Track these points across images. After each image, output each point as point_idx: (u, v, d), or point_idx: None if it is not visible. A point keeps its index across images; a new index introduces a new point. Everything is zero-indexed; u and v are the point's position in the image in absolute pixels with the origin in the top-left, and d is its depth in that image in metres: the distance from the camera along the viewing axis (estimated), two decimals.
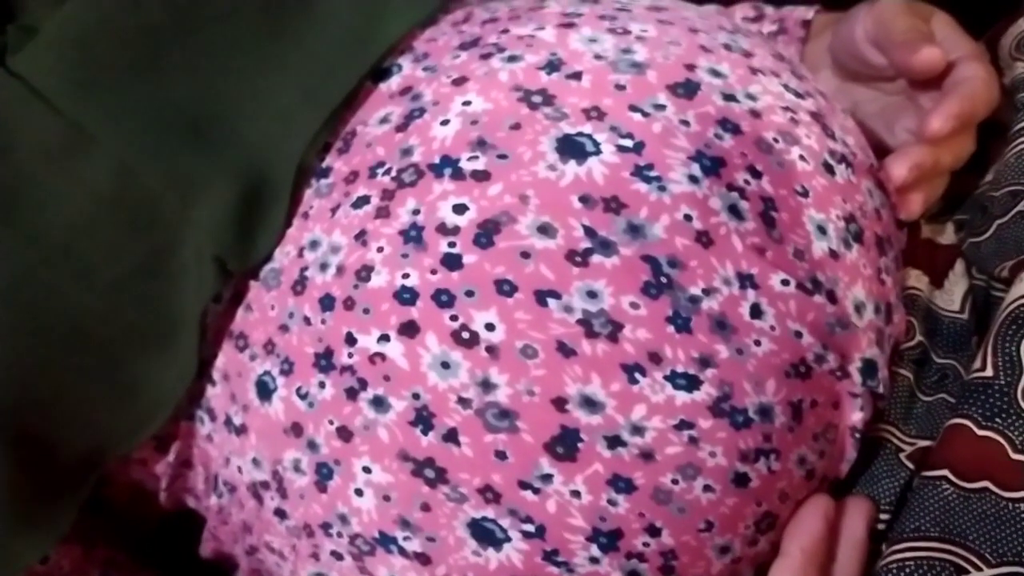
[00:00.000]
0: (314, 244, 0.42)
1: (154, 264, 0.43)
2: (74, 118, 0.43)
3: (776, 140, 0.42)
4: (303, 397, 0.41)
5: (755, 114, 0.42)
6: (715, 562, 0.41)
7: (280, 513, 0.44)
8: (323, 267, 0.41)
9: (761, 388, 0.39)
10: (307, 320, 0.41)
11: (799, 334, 0.40)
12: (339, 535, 0.42)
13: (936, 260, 0.51)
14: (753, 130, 0.41)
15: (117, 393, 0.44)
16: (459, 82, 0.43)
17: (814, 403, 0.41)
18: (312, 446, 0.41)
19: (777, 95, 0.43)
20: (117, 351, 0.44)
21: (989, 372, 0.43)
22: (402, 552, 0.41)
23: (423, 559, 0.41)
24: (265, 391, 0.43)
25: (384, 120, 0.43)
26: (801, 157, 0.42)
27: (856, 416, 0.43)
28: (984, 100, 0.49)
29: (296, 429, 0.42)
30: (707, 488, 0.39)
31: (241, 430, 0.44)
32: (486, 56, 0.44)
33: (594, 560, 0.40)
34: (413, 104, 0.43)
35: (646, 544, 0.40)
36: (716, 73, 0.43)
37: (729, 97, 0.42)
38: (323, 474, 0.41)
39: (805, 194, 0.41)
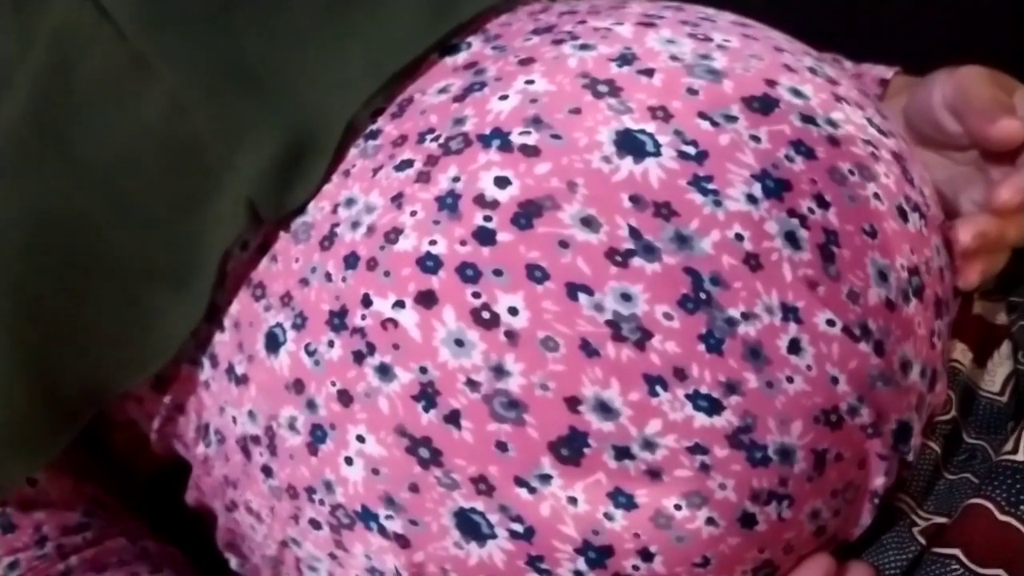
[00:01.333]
0: (350, 202, 0.40)
1: (189, 207, 0.42)
2: (139, 48, 0.42)
3: (852, 172, 0.39)
4: (311, 354, 0.39)
5: (833, 141, 0.40)
6: None
7: (267, 471, 0.42)
8: (354, 225, 0.40)
9: (786, 428, 0.37)
10: (328, 276, 0.40)
11: (836, 380, 0.38)
12: (321, 503, 0.40)
13: (983, 337, 0.48)
14: (829, 157, 0.39)
15: (128, 328, 0.43)
16: (526, 62, 0.41)
17: (839, 456, 0.38)
18: (311, 406, 0.39)
19: (860, 127, 0.41)
20: (136, 286, 0.43)
21: (1020, 457, 0.40)
22: (382, 531, 0.38)
23: (402, 541, 0.38)
24: (274, 343, 0.41)
25: (443, 91, 0.42)
26: (876, 195, 0.40)
27: (879, 480, 0.40)
28: None
29: (298, 386, 0.40)
30: (711, 521, 0.37)
31: (242, 380, 0.42)
32: (558, 42, 0.42)
33: (578, 574, 0.37)
34: (475, 78, 0.41)
35: (636, 568, 0.37)
36: (798, 93, 0.41)
37: (808, 119, 0.40)
38: (317, 436, 0.39)
39: (873, 235, 0.39)
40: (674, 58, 0.41)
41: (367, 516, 0.39)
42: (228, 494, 0.45)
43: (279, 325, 0.41)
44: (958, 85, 0.48)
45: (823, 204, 0.38)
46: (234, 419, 0.43)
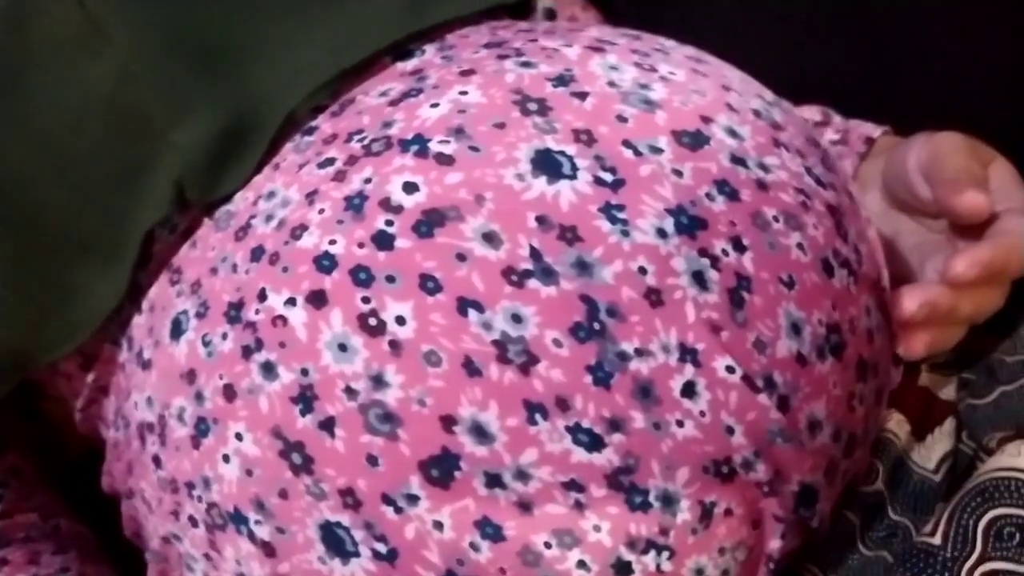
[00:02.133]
0: (271, 195, 0.39)
1: (126, 179, 0.42)
2: (95, 13, 0.42)
3: (777, 219, 0.38)
4: (206, 344, 0.38)
5: (762, 185, 0.38)
6: None
7: (156, 461, 0.40)
8: (268, 218, 0.39)
9: (671, 474, 0.35)
10: (235, 267, 0.39)
11: (731, 430, 0.35)
12: (199, 499, 0.38)
13: (926, 411, 0.46)
14: (754, 201, 0.37)
15: (54, 298, 0.43)
16: (466, 73, 0.40)
17: (729, 511, 0.36)
18: (199, 398, 0.38)
19: (795, 174, 0.39)
20: (67, 254, 0.42)
21: (938, 540, 0.38)
22: (251, 536, 0.37)
23: (268, 550, 0.37)
24: (178, 330, 0.40)
25: (383, 94, 0.41)
26: (799, 246, 0.38)
27: (775, 543, 0.37)
28: (1022, 257, 0.44)
29: (190, 376, 0.39)
30: (582, 565, 0.35)
31: (147, 365, 0.41)
32: (503, 57, 0.41)
33: None
34: (416, 84, 0.41)
35: None
36: (733, 133, 0.39)
37: (738, 161, 0.38)
38: (201, 430, 0.38)
39: (790, 285, 0.37)
40: (612, 84, 0.39)
41: (238, 519, 0.37)
42: (129, 481, 0.44)
43: (185, 312, 0.40)
44: (933, 151, 0.47)
45: (739, 247, 0.36)
46: (136, 404, 0.42)
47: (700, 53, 0.44)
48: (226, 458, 0.37)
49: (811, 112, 0.56)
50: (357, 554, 0.35)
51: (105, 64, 0.42)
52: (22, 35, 0.43)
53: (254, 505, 0.37)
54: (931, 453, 0.44)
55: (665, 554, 0.35)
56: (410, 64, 0.42)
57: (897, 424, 0.45)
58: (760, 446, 0.36)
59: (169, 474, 0.40)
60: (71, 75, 0.42)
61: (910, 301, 0.43)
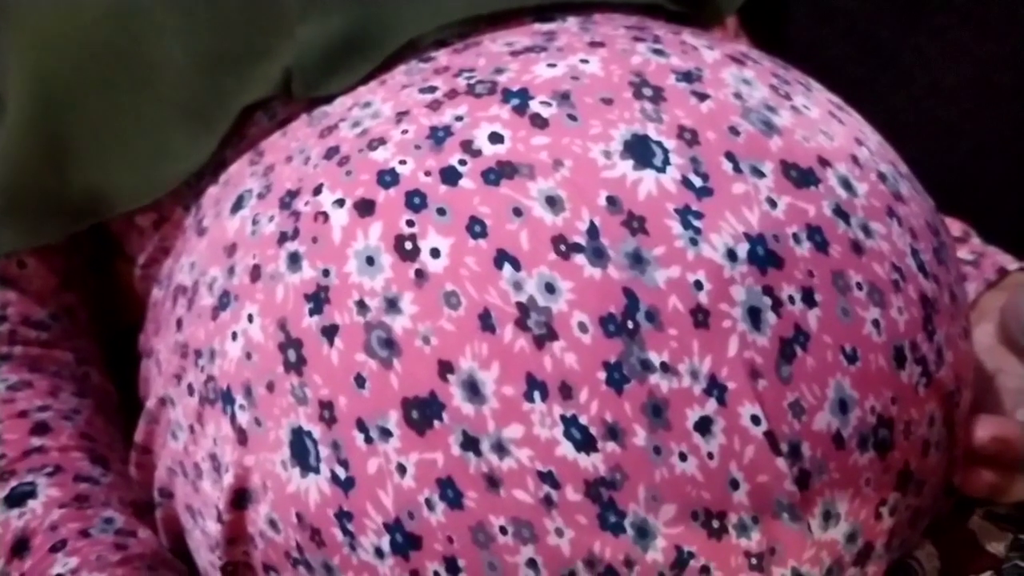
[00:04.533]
0: (367, 105, 0.38)
1: (246, 57, 0.41)
2: None
3: (860, 287, 0.34)
4: (255, 223, 0.37)
5: (857, 248, 0.34)
6: None
7: (179, 323, 0.40)
8: (355, 125, 0.38)
9: (655, 506, 0.31)
10: (307, 160, 0.38)
11: (736, 484, 0.32)
12: (202, 369, 0.37)
13: (963, 554, 0.41)
14: (842, 260, 0.34)
15: (147, 151, 0.43)
16: (595, 45, 0.38)
17: (705, 570, 0.32)
18: (231, 272, 0.37)
19: (898, 252, 0.35)
20: (169, 115, 0.42)
21: None
22: (232, 419, 0.36)
23: (242, 437, 0.35)
24: (238, 206, 0.39)
25: (509, 44, 0.39)
26: (875, 323, 0.34)
27: None
28: None
29: (231, 250, 0.38)
30: (531, 564, 0.32)
31: (203, 232, 0.41)
32: (639, 40, 0.38)
33: (379, 553, 0.33)
34: (543, 42, 0.39)
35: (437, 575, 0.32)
36: (847, 185, 0.35)
37: (842, 214, 0.35)
38: (222, 303, 0.37)
39: (852, 359, 0.33)
40: (738, 96, 0.36)
41: (228, 398, 0.36)
42: (151, 339, 0.44)
43: (250, 190, 0.39)
44: None
45: (809, 300, 0.33)
46: (182, 267, 0.42)
47: (842, 103, 0.40)
48: (234, 336, 0.36)
49: (952, 226, 0.52)
50: (317, 470, 0.33)
51: None
52: None
53: (243, 390, 0.35)
54: None
55: None
56: (547, 27, 0.41)
57: (927, 556, 0.40)
58: (762, 513, 0.32)
59: (184, 338, 0.39)
60: None
61: (983, 430, 0.39)
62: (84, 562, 0.40)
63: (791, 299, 0.33)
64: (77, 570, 0.40)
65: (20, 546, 0.41)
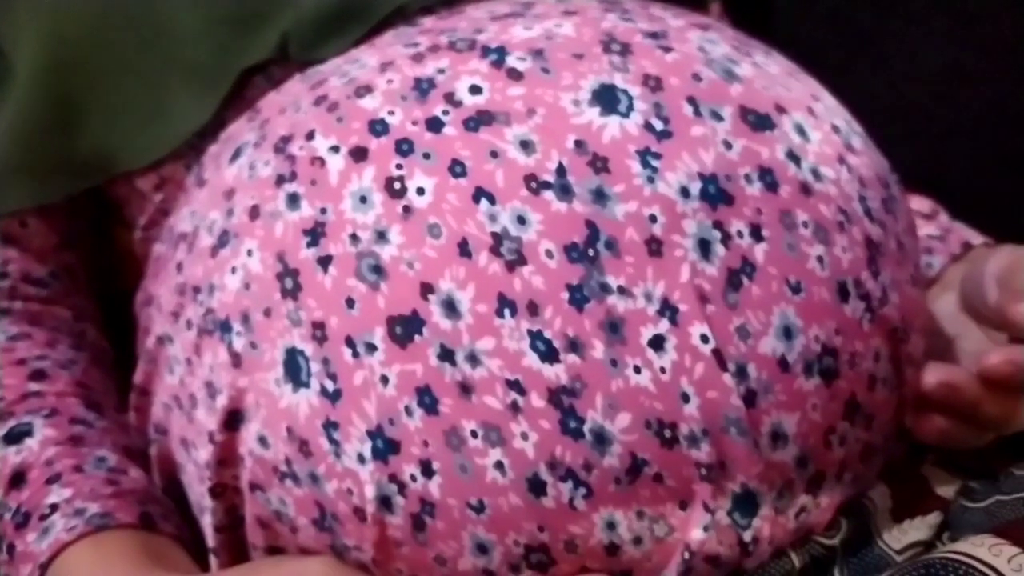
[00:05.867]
0: (355, 60, 0.43)
1: (247, 22, 0.46)
2: None
3: (806, 225, 0.38)
4: (251, 168, 0.42)
5: (805, 189, 0.39)
6: (467, 555, 0.37)
7: (179, 267, 0.44)
8: (342, 75, 0.43)
9: (612, 414, 0.36)
10: (297, 108, 0.42)
11: (687, 398, 0.36)
12: (200, 303, 0.42)
13: (914, 497, 0.44)
14: (790, 200, 0.38)
15: (150, 111, 0.47)
16: (569, 13, 0.43)
17: (659, 477, 0.37)
18: (230, 213, 0.42)
19: (844, 195, 0.40)
20: (173, 76, 0.47)
21: None
22: (229, 346, 0.40)
23: (236, 361, 0.40)
24: (236, 156, 0.44)
25: (490, 11, 0.44)
26: (820, 259, 0.38)
27: (697, 535, 0.37)
28: None
29: (229, 194, 0.43)
30: (499, 466, 0.36)
31: (202, 183, 0.46)
32: (609, 10, 0.43)
33: (361, 459, 0.37)
34: (522, 10, 0.44)
35: (413, 478, 0.37)
36: (802, 132, 0.40)
37: (793, 158, 0.39)
38: (221, 241, 0.42)
39: (796, 291, 0.37)
40: (701, 49, 0.41)
41: (225, 327, 0.40)
42: (151, 288, 0.48)
43: (247, 142, 0.44)
44: (1013, 260, 0.45)
45: (757, 236, 0.37)
46: (183, 217, 0.46)
47: (799, 70, 0.44)
48: (233, 270, 0.40)
49: (920, 203, 0.56)
50: (308, 385, 0.38)
51: None
52: None
53: (241, 317, 0.40)
54: (904, 536, 0.43)
55: (582, 490, 0.36)
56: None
57: (880, 496, 0.44)
58: (711, 427, 0.36)
59: (184, 279, 0.43)
60: None
61: (931, 375, 0.42)
62: (77, 493, 0.44)
63: (739, 233, 0.37)
64: (71, 499, 0.44)
65: (17, 478, 0.45)
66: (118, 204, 0.52)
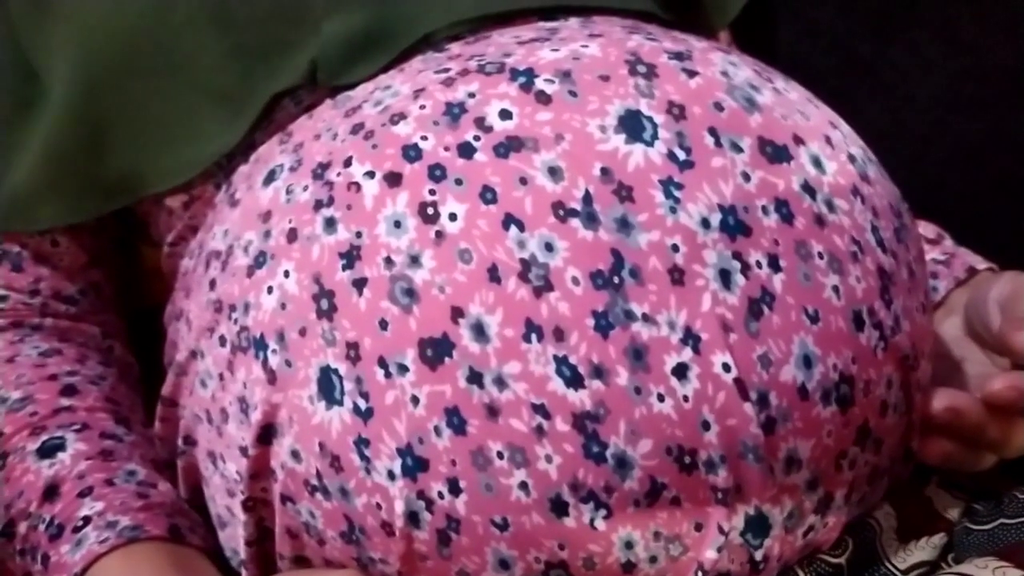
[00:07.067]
0: (387, 87, 0.45)
1: (276, 49, 0.48)
2: None
3: (821, 256, 0.40)
4: (288, 192, 0.43)
5: (819, 221, 0.40)
6: (489, 570, 0.39)
7: (212, 284, 0.46)
8: (377, 103, 0.44)
9: (634, 440, 0.37)
10: (335, 136, 0.44)
11: (707, 426, 0.38)
12: (235, 321, 0.43)
13: (919, 518, 0.46)
14: (805, 231, 0.40)
15: (180, 135, 0.49)
16: (594, 36, 0.44)
17: (676, 500, 0.38)
18: (267, 235, 0.43)
19: (858, 226, 0.41)
20: (202, 101, 0.48)
21: None
22: (264, 363, 0.41)
23: (271, 377, 0.41)
24: (270, 178, 0.45)
25: (516, 36, 0.46)
26: (835, 289, 0.40)
27: (711, 554, 0.39)
28: None
29: (266, 216, 0.44)
30: (523, 486, 0.38)
31: (235, 203, 0.47)
32: (634, 32, 0.45)
33: (391, 476, 0.39)
34: (547, 35, 0.45)
35: (441, 495, 0.38)
36: (817, 163, 0.42)
37: (808, 190, 0.41)
38: (258, 262, 0.43)
39: (814, 320, 0.39)
40: (724, 74, 0.43)
41: (260, 345, 0.42)
42: (180, 303, 0.49)
43: (281, 165, 0.45)
44: (1015, 288, 0.47)
45: (774, 266, 0.39)
46: (215, 235, 0.47)
47: (815, 99, 0.46)
48: (270, 289, 0.42)
49: (926, 228, 0.58)
50: (341, 403, 0.39)
51: None
52: None
53: (276, 336, 0.41)
54: (909, 557, 0.45)
55: (602, 511, 0.38)
56: (550, 24, 0.47)
57: (884, 516, 0.45)
58: (729, 453, 0.38)
59: (218, 296, 0.45)
60: None
61: (938, 401, 0.44)
62: (108, 506, 0.46)
63: (758, 264, 0.39)
64: (103, 512, 0.45)
65: (51, 492, 0.47)
66: (144, 221, 0.53)
